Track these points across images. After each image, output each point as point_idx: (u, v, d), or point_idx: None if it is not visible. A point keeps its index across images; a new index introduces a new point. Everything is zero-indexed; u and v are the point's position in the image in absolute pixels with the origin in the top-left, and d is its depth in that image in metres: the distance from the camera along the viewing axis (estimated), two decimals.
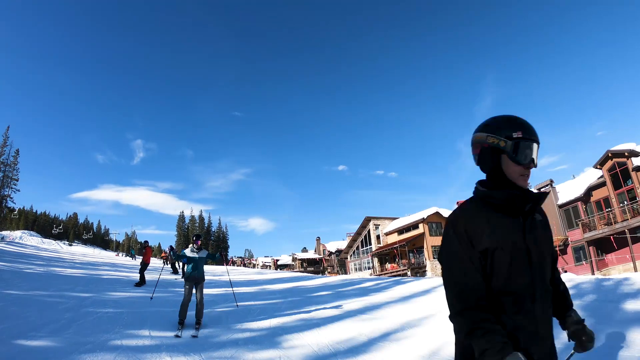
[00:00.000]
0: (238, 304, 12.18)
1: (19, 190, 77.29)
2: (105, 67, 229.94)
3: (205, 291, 10.55)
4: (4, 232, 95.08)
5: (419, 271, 52.73)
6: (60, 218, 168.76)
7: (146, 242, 20.73)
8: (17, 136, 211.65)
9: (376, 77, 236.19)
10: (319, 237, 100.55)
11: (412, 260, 53.84)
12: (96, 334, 7.56)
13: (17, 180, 67.16)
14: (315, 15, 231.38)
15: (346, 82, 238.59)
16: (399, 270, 53.65)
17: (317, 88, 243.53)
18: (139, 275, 16.28)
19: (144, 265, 16.67)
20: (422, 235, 54.15)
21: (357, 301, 12.34)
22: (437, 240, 53.60)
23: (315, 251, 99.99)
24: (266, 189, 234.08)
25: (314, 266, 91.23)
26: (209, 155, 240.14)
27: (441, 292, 13.09)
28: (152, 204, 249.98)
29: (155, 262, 33.70)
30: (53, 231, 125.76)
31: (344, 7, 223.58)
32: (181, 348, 7.09)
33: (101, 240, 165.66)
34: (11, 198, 67.65)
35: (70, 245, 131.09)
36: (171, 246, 28.05)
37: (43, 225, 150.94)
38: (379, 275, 53.62)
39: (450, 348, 6.63)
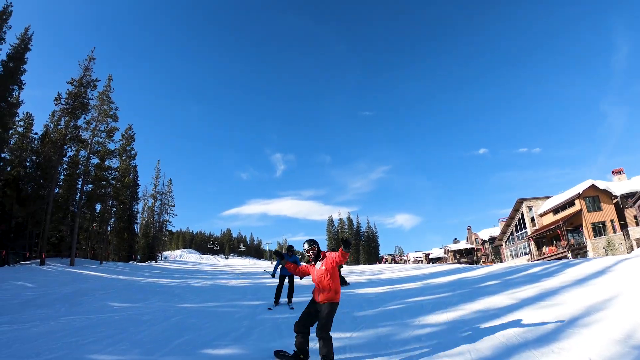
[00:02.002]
0: (407, 300, 12.21)
1: (176, 215, 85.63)
2: (232, 91, 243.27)
3: (368, 290, 10.95)
4: (166, 253, 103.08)
5: (579, 252, 48.56)
6: (215, 235, 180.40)
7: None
8: (167, 167, 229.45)
9: (502, 55, 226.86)
10: (469, 226, 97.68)
11: (572, 241, 50.37)
12: (277, 339, 7.84)
13: (174, 206, 73.39)
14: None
15: (474, 65, 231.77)
16: (558, 253, 50.38)
17: (442, 74, 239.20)
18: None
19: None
20: (579, 212, 49.69)
21: (530, 288, 11.98)
22: (596, 217, 49.29)
23: (467, 241, 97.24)
24: (407, 183, 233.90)
25: (468, 256, 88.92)
26: (346, 158, 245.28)
27: (618, 272, 12.28)
28: (298, 212, 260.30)
29: None
30: (209, 245, 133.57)
31: None
32: (368, 347, 7.19)
33: (255, 251, 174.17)
34: (170, 222, 73.64)
35: (227, 258, 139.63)
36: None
37: (200, 242, 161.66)
38: (538, 260, 51.06)
39: None
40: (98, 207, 47.32)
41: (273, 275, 12.87)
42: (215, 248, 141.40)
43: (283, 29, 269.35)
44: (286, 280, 13.13)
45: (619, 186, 51.80)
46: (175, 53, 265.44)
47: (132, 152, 52.91)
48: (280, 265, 12.83)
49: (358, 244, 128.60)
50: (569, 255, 48.10)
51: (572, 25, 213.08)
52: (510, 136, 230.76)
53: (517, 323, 7.90)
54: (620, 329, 6.63)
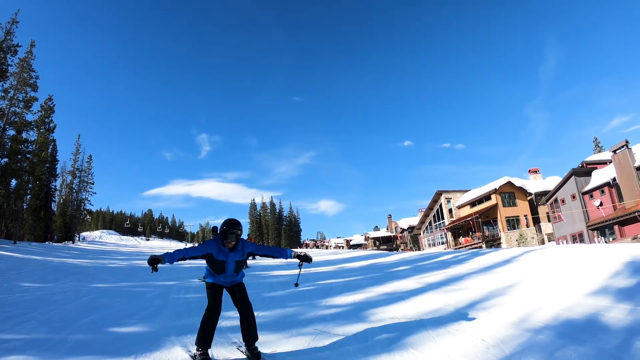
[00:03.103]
0: (318, 282, 12.48)
1: (95, 193, 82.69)
2: (162, 67, 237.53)
3: (283, 272, 11.40)
4: (85, 233, 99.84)
5: (493, 243, 51.70)
6: (136, 215, 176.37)
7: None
8: (88, 143, 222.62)
9: (434, 51, 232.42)
10: (390, 215, 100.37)
11: (487, 233, 52.85)
12: (186, 317, 7.85)
13: (93, 184, 71.19)
14: None
15: (405, 58, 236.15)
16: (474, 244, 52.76)
17: (375, 66, 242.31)
18: None
19: None
20: (495, 206, 52.91)
21: (438, 274, 12.34)
22: (511, 211, 52.45)
23: (387, 229, 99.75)
24: (333, 170, 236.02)
25: (387, 244, 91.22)
26: (273, 142, 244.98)
27: (523, 262, 12.98)
28: (221, 195, 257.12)
29: None
30: (126, 225, 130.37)
31: None
32: (272, 326, 7.28)
33: (177, 233, 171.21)
34: (89, 201, 71.09)
35: (148, 239, 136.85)
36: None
37: (120, 223, 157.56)
38: (453, 249, 53.12)
39: (539, 315, 6.68)
40: (13, 182, 44.89)
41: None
42: (129, 227, 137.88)
43: (219, 7, 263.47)
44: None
45: (534, 184, 55.36)
46: (103, 23, 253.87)
47: (51, 125, 49.83)
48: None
49: (280, 229, 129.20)
50: (484, 246, 50.65)
51: (506, 33, 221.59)
52: (435, 131, 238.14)
53: (419, 306, 8.08)
54: (516, 314, 6.87)
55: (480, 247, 49.51)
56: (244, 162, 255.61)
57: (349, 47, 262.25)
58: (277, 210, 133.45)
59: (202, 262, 5.99)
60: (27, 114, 39.27)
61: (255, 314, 7.93)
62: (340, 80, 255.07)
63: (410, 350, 5.58)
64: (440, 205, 63.75)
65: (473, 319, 6.91)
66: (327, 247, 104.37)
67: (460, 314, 7.23)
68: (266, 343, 6.23)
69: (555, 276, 9.87)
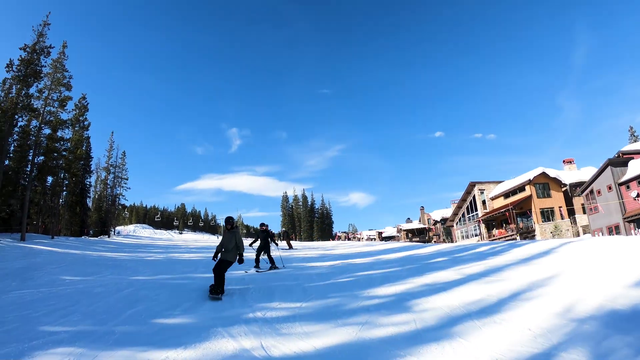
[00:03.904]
0: (357, 274, 12.48)
1: (129, 189, 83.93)
2: (190, 65, 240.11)
3: (319, 264, 12.32)
4: (119, 227, 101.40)
5: (527, 235, 50.58)
6: (168, 210, 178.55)
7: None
8: (121, 140, 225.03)
9: (465, 40, 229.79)
10: (422, 207, 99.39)
11: (520, 225, 51.97)
12: (229, 309, 7.90)
13: (127, 179, 71.63)
14: None
15: (435, 47, 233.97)
16: (507, 236, 51.93)
17: (404, 56, 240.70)
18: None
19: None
20: (529, 197, 51.68)
21: (477, 265, 12.32)
22: (545, 203, 51.20)
23: (420, 221, 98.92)
24: (363, 162, 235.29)
25: (420, 236, 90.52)
26: (302, 135, 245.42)
27: (562, 253, 12.83)
28: (253, 188, 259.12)
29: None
30: (156, 219, 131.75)
31: None
32: (317, 317, 7.32)
33: (209, 226, 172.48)
34: (123, 196, 72.19)
35: (181, 233, 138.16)
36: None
37: (153, 217, 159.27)
38: (488, 241, 52.49)
39: (583, 305, 6.61)
40: (50, 180, 45.97)
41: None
42: (157, 220, 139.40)
43: (245, 3, 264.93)
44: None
45: (568, 175, 53.93)
46: (134, 23, 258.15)
47: (85, 123, 50.66)
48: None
49: (312, 221, 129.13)
50: (518, 238, 49.76)
51: (537, 20, 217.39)
52: (467, 122, 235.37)
53: (462, 296, 8.12)
54: (559, 304, 6.86)
55: (515, 239, 48.63)
56: (274, 155, 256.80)
57: (377, 36, 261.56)
58: (309, 203, 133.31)
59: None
60: (62, 112, 40.12)
61: (299, 304, 8.09)
62: (369, 71, 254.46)
63: (458, 340, 5.62)
64: (474, 197, 62.66)
65: (517, 309, 6.92)
66: (358, 240, 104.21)
67: (504, 305, 7.24)
68: (313, 333, 6.29)
69: (596, 267, 9.77)
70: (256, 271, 14.43)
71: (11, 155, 38.42)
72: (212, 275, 9.54)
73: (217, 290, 9.16)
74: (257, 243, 16.49)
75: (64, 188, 50.03)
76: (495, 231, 56.68)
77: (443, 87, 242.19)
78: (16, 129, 37.16)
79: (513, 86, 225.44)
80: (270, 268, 14.77)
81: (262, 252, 15.90)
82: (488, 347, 5.28)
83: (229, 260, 9.90)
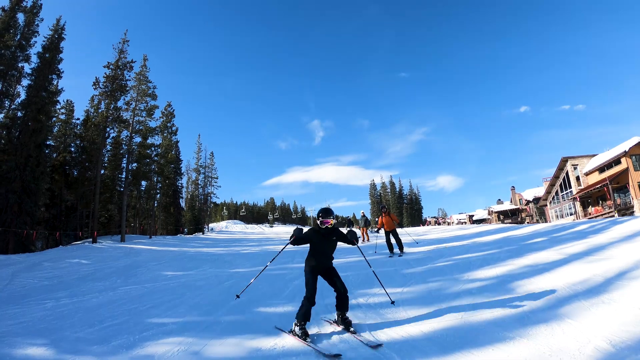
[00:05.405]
0: (454, 257, 12.34)
1: (219, 187, 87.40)
2: (265, 60, 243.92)
3: (414, 249, 12.91)
4: (212, 224, 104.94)
5: (626, 212, 46.14)
6: (258, 204, 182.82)
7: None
8: (208, 141, 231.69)
9: (543, 7, 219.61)
10: (513, 187, 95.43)
11: (618, 201, 48.72)
12: (329, 296, 7.87)
13: (217, 178, 74.49)
14: None
15: (515, 19, 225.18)
16: (604, 213, 48.80)
17: (482, 31, 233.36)
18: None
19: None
20: (625, 170, 47.01)
21: (578, 244, 11.81)
22: None
23: (511, 202, 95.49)
24: (448, 144, 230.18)
25: (512, 217, 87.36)
26: (384, 121, 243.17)
27: None
28: (339, 178, 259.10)
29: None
30: (241, 213, 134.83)
31: None
32: (420, 301, 7.36)
33: (299, 218, 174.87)
34: (214, 194, 74.83)
35: (272, 226, 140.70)
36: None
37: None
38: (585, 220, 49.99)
39: None
40: (144, 184, 48.71)
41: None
42: (241, 214, 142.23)
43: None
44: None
45: None
46: (208, 27, 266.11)
47: (173, 129, 54.02)
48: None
49: (401, 207, 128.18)
50: (616, 215, 46.20)
51: None
52: (552, 93, 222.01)
53: (565, 276, 7.88)
54: None
55: (613, 216, 45.37)
56: (357, 144, 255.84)
57: (452, 13, 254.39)
58: (397, 189, 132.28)
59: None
60: (150, 121, 43.49)
61: (400, 289, 8.09)
62: (446, 50, 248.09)
63: (566, 321, 5.51)
64: (567, 173, 58.59)
65: (625, 288, 6.64)
66: (448, 224, 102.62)
67: (611, 284, 6.96)
68: (419, 317, 6.49)
69: None
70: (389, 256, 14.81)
71: (106, 164, 41.88)
72: None
73: None
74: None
75: (158, 191, 52.92)
76: (591, 209, 53.24)
77: (526, 59, 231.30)
78: (108, 140, 40.72)
79: (598, 49, 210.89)
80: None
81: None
82: (599, 328, 5.14)
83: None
